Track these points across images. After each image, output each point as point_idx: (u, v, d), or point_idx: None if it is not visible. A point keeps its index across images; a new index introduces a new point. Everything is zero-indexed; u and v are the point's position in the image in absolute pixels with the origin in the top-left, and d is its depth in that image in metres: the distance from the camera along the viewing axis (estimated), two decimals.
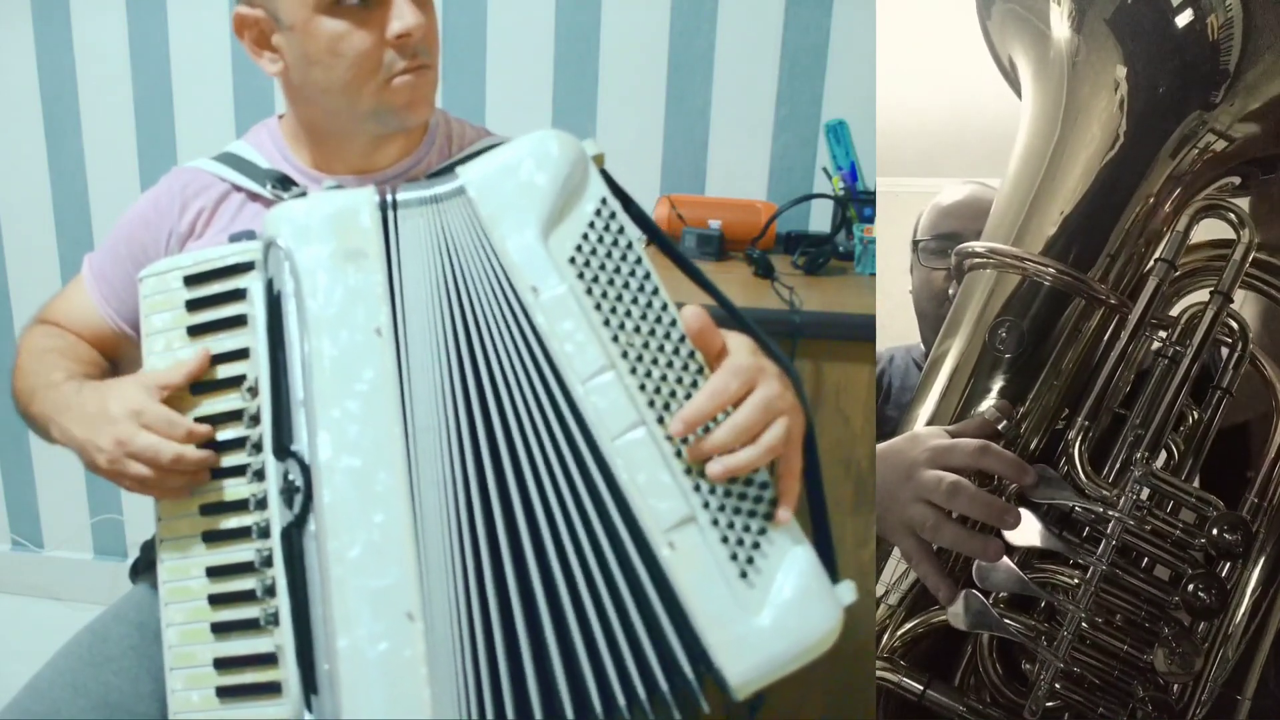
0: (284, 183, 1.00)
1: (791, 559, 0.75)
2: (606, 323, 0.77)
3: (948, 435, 0.84)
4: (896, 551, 0.86)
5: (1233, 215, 0.85)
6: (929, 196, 1.46)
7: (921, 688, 0.83)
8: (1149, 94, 0.85)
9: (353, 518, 0.75)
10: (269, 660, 0.81)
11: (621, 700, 0.73)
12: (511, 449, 0.76)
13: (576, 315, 0.77)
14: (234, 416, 0.84)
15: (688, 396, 0.76)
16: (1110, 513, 0.80)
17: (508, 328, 0.78)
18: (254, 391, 0.83)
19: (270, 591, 0.80)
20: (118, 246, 1.08)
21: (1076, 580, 0.81)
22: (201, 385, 0.85)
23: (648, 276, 0.79)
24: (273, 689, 0.80)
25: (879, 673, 0.85)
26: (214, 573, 0.83)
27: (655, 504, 0.74)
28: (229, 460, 0.83)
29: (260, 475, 0.82)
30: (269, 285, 0.81)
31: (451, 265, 0.80)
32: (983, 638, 0.84)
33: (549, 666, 0.74)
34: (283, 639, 0.79)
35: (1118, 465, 0.83)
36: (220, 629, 0.82)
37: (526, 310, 0.77)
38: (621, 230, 0.80)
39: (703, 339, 0.77)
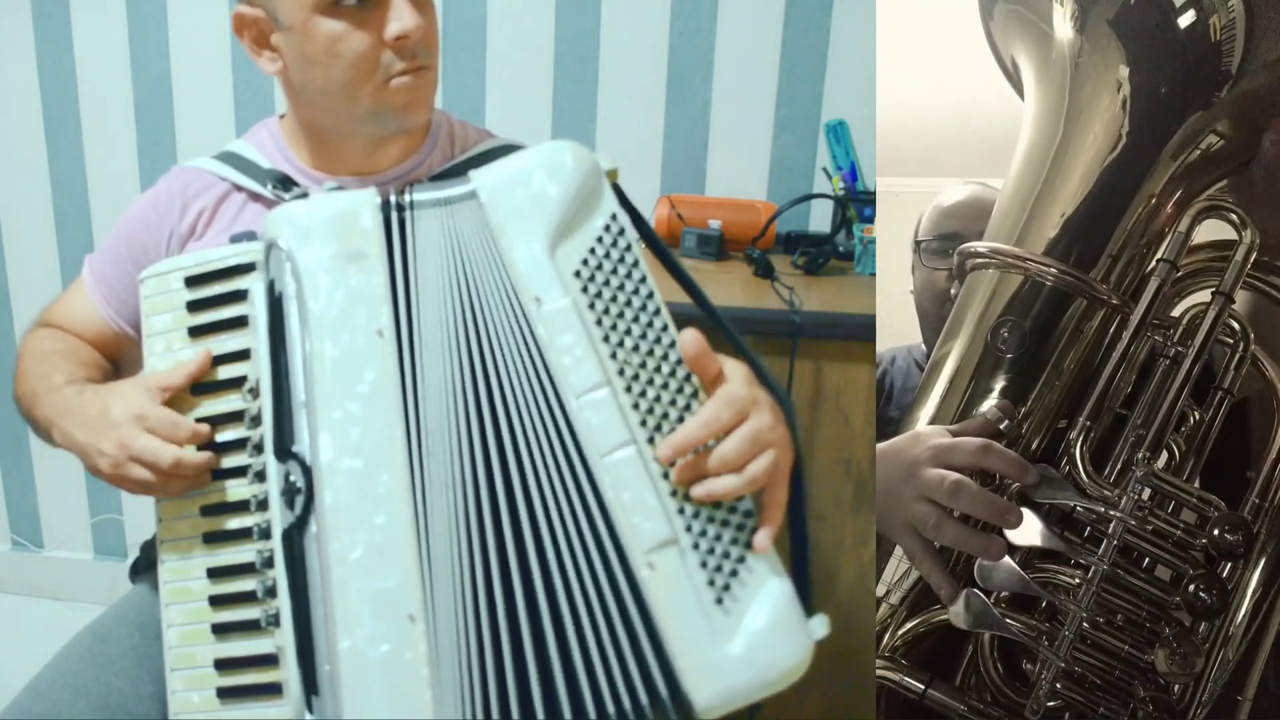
0: (285, 183, 1.00)
1: (768, 589, 0.75)
2: (606, 339, 0.77)
3: (949, 434, 0.84)
4: (898, 551, 0.86)
5: (1234, 216, 0.85)
6: (929, 196, 1.46)
7: (923, 687, 0.83)
8: (1151, 95, 0.85)
9: (354, 519, 0.75)
10: (270, 661, 0.81)
11: (593, 714, 0.73)
12: (517, 455, 0.77)
13: (577, 329, 0.77)
14: (235, 418, 0.84)
15: (680, 420, 0.77)
16: (1112, 513, 0.80)
17: (512, 335, 0.78)
18: (255, 393, 0.83)
19: (271, 593, 0.80)
20: (118, 248, 1.08)
21: (1078, 580, 0.81)
22: (202, 386, 0.85)
23: (650, 296, 0.79)
24: (273, 690, 0.80)
25: (880, 672, 0.85)
26: (215, 574, 0.83)
27: (638, 523, 0.74)
28: (230, 461, 0.83)
29: (261, 476, 0.82)
30: (270, 286, 0.81)
31: (462, 267, 0.80)
32: (984, 637, 0.84)
33: (549, 671, 0.74)
34: (284, 640, 0.79)
35: (1119, 465, 0.83)
36: (221, 630, 0.82)
37: (529, 320, 0.78)
38: (629, 248, 0.80)
39: (699, 364, 0.78)
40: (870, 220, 1.69)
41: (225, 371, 0.85)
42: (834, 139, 1.79)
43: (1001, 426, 0.85)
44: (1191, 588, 0.77)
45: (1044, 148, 0.90)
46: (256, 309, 0.83)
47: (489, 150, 1.10)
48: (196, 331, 0.86)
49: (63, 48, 2.01)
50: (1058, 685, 0.79)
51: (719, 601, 0.74)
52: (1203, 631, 0.79)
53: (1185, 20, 0.83)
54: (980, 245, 0.91)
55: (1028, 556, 0.82)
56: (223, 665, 0.82)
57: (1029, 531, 0.80)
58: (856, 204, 1.70)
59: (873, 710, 0.87)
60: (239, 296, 0.85)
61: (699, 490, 0.75)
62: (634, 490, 0.75)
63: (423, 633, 0.73)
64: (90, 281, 1.09)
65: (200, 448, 0.83)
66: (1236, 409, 0.85)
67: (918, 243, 1.43)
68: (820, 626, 0.77)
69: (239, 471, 0.83)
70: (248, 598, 0.82)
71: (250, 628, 0.81)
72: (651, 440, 0.76)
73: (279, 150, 1.06)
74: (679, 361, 0.78)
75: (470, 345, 0.79)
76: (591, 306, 0.78)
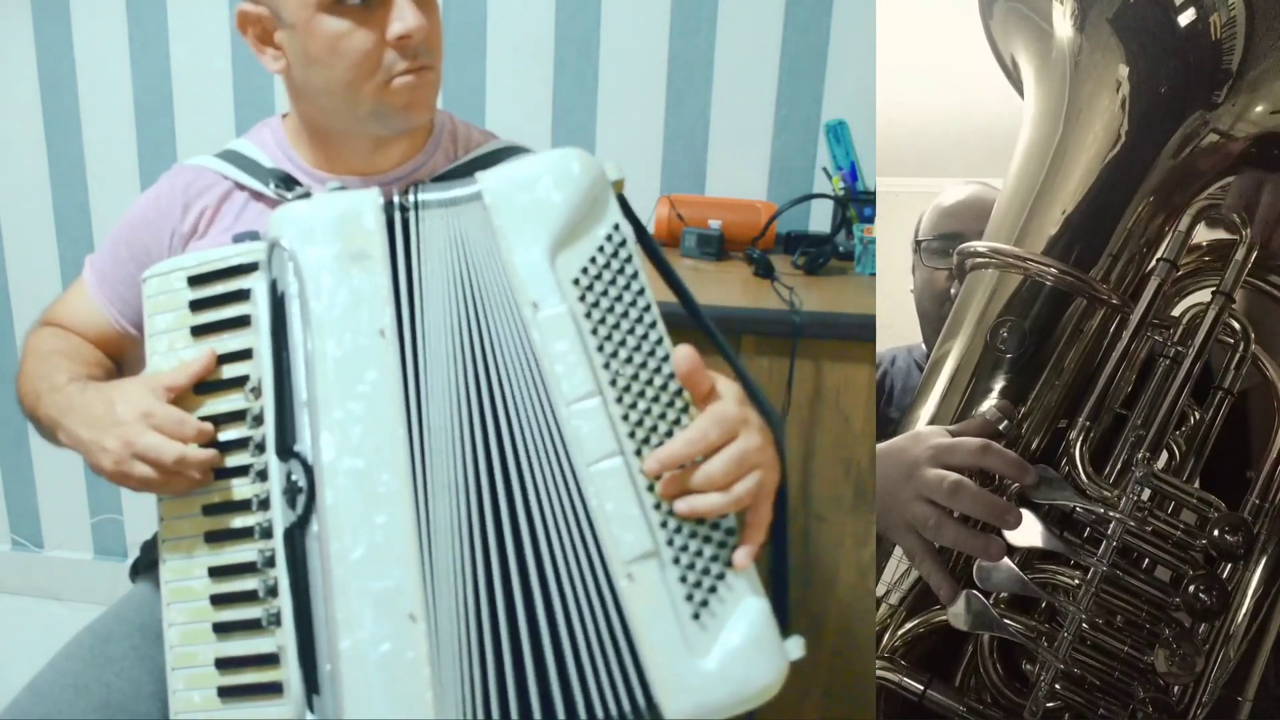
0: (288, 182, 1.00)
1: (745, 607, 0.76)
2: (601, 348, 0.78)
3: (949, 435, 0.84)
4: (898, 551, 0.86)
5: (1235, 215, 0.85)
6: (929, 196, 1.46)
7: (922, 688, 0.83)
8: (1151, 93, 0.85)
9: (355, 519, 0.75)
10: (271, 660, 0.81)
11: (582, 717, 0.74)
12: (515, 457, 0.77)
13: (571, 337, 0.77)
14: (237, 417, 0.84)
15: (669, 434, 0.77)
16: (1111, 514, 0.80)
17: (510, 339, 0.78)
18: (257, 392, 0.83)
19: (272, 592, 0.80)
20: (119, 247, 1.08)
21: (1077, 581, 0.81)
22: (205, 385, 0.85)
23: (648, 308, 0.79)
24: (274, 689, 0.80)
25: (879, 672, 0.85)
26: (216, 573, 0.83)
27: (620, 534, 0.75)
28: (232, 461, 0.83)
29: (263, 476, 0.82)
30: (273, 286, 0.81)
31: (465, 269, 0.80)
32: (983, 638, 0.84)
33: (544, 672, 0.75)
34: (285, 639, 0.79)
35: (1119, 466, 0.83)
36: (222, 629, 0.82)
37: (525, 325, 0.78)
38: (629, 259, 0.80)
39: (691, 380, 0.78)
40: (870, 220, 1.69)
41: (227, 371, 0.85)
42: (834, 139, 1.79)
43: (1001, 427, 0.85)
44: (1191, 589, 0.77)
45: (1044, 147, 0.90)
46: (259, 309, 0.83)
47: (493, 151, 1.10)
48: (199, 331, 0.86)
49: (63, 48, 2.01)
50: (1057, 686, 0.79)
51: (696, 616, 0.75)
52: (1202, 632, 0.79)
53: (1185, 19, 0.82)
54: (980, 245, 0.91)
55: (1027, 557, 0.82)
56: (224, 664, 0.82)
57: (1028, 532, 0.80)
58: (856, 204, 1.70)
59: (872, 710, 0.87)
60: (241, 296, 0.85)
61: (682, 505, 0.76)
62: (618, 501, 0.75)
63: (424, 632, 0.74)
64: (92, 281, 1.09)
65: (202, 447, 0.83)
66: (1235, 408, 0.85)
67: (918, 242, 1.43)
68: (795, 648, 0.77)
69: (241, 471, 0.83)
70: (249, 597, 0.82)
71: (251, 627, 0.81)
72: (639, 452, 0.76)
73: (281, 149, 1.06)
74: (671, 376, 0.78)
75: (471, 347, 0.79)
76: (588, 315, 0.78)
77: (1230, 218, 0.85)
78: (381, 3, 0.92)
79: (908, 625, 0.86)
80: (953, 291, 1.29)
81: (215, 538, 0.84)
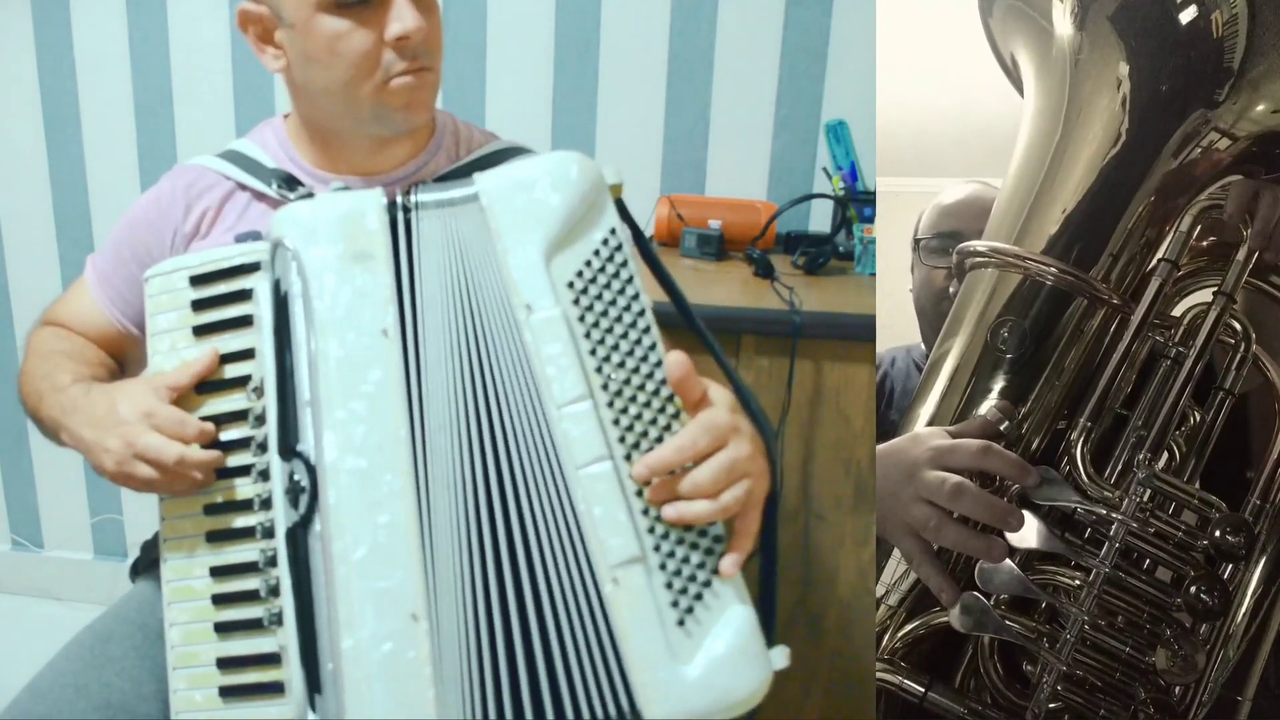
0: (290, 182, 1.00)
1: (731, 615, 0.76)
2: (593, 352, 0.78)
3: (949, 436, 0.84)
4: (897, 552, 0.86)
5: (1238, 223, 0.84)
6: (929, 196, 1.46)
7: (923, 690, 0.83)
8: (1152, 92, 0.85)
9: (358, 518, 0.75)
10: (272, 660, 0.81)
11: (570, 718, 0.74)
12: (509, 459, 0.77)
13: (564, 340, 0.77)
14: (239, 417, 0.84)
15: (659, 440, 0.77)
16: (1114, 515, 0.80)
17: (505, 341, 0.78)
18: (259, 392, 0.83)
19: (274, 591, 0.80)
20: (121, 247, 1.08)
21: (1078, 581, 0.80)
22: (207, 385, 0.85)
23: (642, 314, 0.79)
24: (276, 689, 0.80)
25: (880, 674, 0.85)
26: (218, 572, 0.83)
27: (607, 538, 0.75)
28: (234, 460, 0.83)
29: (265, 475, 0.82)
30: (275, 286, 0.81)
31: (463, 270, 0.80)
32: (984, 639, 0.84)
33: (536, 673, 0.75)
34: (286, 639, 0.79)
35: (1119, 466, 0.83)
36: (224, 629, 0.82)
37: (518, 326, 0.78)
38: (625, 264, 0.80)
39: (683, 387, 0.78)
40: (870, 220, 1.69)
41: (230, 371, 0.85)
42: (834, 139, 1.79)
43: (1002, 428, 0.85)
44: (1193, 589, 0.77)
45: (1044, 145, 0.90)
46: (261, 308, 0.83)
47: (494, 152, 1.10)
48: (201, 331, 0.86)
49: (63, 48, 2.02)
50: (1058, 688, 0.79)
51: (681, 623, 0.75)
52: (1203, 632, 0.79)
53: (1186, 16, 0.82)
54: (980, 244, 0.91)
55: (1026, 557, 0.82)
56: (225, 664, 0.82)
57: (1030, 534, 0.80)
58: (856, 204, 1.70)
59: (873, 710, 0.87)
60: (244, 296, 0.85)
61: (670, 512, 0.75)
62: (606, 505, 0.75)
63: (425, 632, 0.73)
64: (93, 280, 1.09)
65: (204, 447, 0.83)
66: (1235, 408, 0.85)
67: (917, 241, 1.43)
68: (780, 658, 0.77)
69: (243, 470, 0.83)
70: (251, 596, 0.82)
71: (253, 626, 0.81)
72: (629, 458, 0.76)
73: (283, 150, 1.06)
74: (663, 382, 0.78)
75: (469, 348, 0.79)
76: (581, 319, 0.78)
77: (1233, 223, 0.84)
78: (380, 3, 0.92)
79: (908, 627, 0.86)
80: (951, 290, 1.29)
81: (217, 537, 0.84)
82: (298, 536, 0.77)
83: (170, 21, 1.97)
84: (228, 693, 0.81)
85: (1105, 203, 0.87)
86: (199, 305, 0.86)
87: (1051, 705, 0.79)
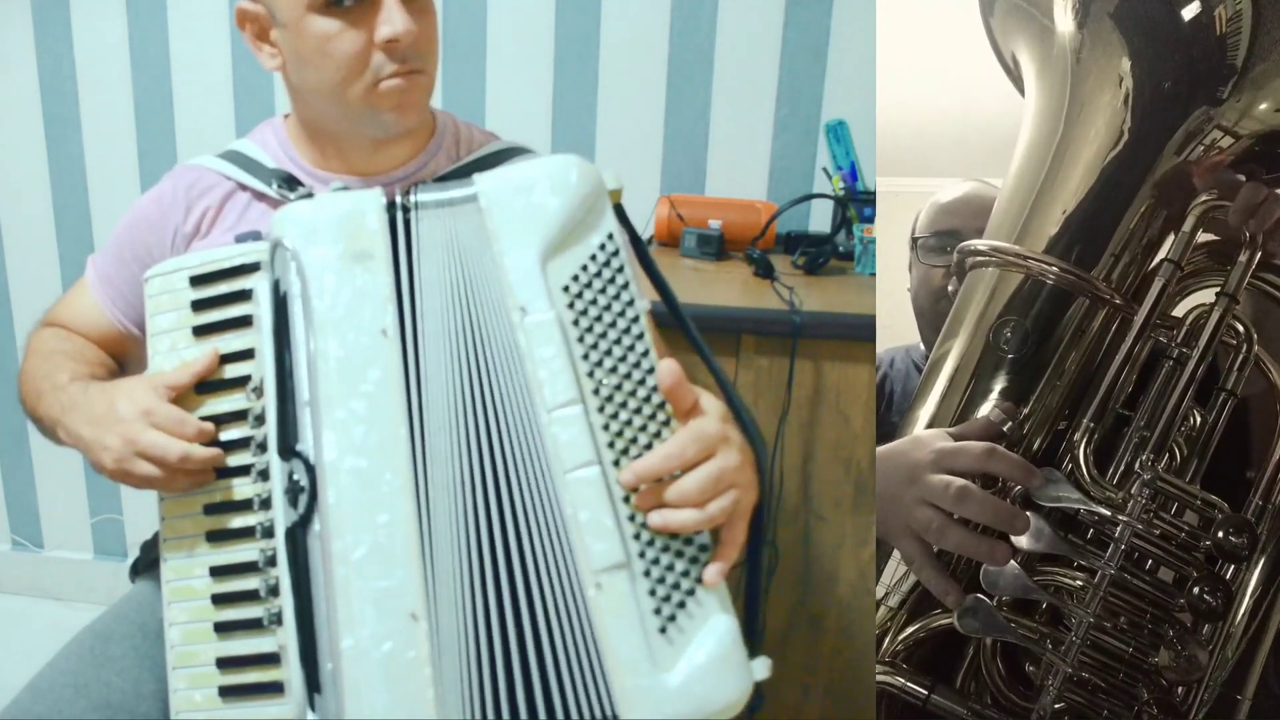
0: (290, 183, 1.00)
1: (714, 624, 0.76)
2: (585, 357, 0.78)
3: (951, 438, 0.83)
4: (897, 553, 0.85)
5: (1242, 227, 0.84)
6: (929, 196, 1.46)
7: (926, 693, 0.82)
8: (1154, 89, 0.85)
9: (358, 518, 0.75)
10: (272, 660, 0.81)
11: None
12: (504, 460, 0.77)
13: (557, 343, 0.77)
14: (239, 416, 0.84)
15: (648, 447, 0.77)
16: (1119, 516, 0.79)
17: (501, 342, 0.78)
18: (259, 392, 0.83)
19: (274, 591, 0.80)
20: (121, 247, 1.08)
21: (1080, 582, 0.80)
22: (207, 385, 0.85)
23: (636, 320, 0.79)
24: (275, 689, 0.80)
25: (882, 677, 0.85)
26: (218, 572, 0.83)
27: (592, 543, 0.75)
28: (233, 460, 0.83)
29: (265, 475, 0.82)
30: (275, 286, 0.81)
31: (461, 270, 0.80)
32: (986, 640, 0.84)
33: (529, 674, 0.75)
34: (286, 639, 0.79)
35: (1121, 467, 0.83)
36: (223, 628, 0.82)
37: (512, 328, 0.78)
38: (621, 269, 0.80)
39: (675, 394, 0.78)
40: (870, 220, 1.69)
41: (229, 370, 0.85)
42: (834, 139, 1.79)
43: (1004, 429, 0.84)
44: (1196, 590, 0.77)
45: (1045, 144, 0.89)
46: (261, 308, 0.83)
47: (495, 152, 1.10)
48: (201, 331, 0.86)
49: (63, 48, 2.02)
50: (1062, 689, 0.79)
51: (663, 630, 0.75)
52: (1205, 632, 0.79)
53: (1189, 12, 0.82)
54: (980, 243, 0.91)
55: (1027, 558, 0.81)
56: (225, 664, 0.82)
57: (1033, 536, 0.79)
58: (856, 204, 1.70)
59: (873, 711, 0.87)
60: (244, 296, 0.85)
61: (656, 519, 0.75)
62: (592, 510, 0.75)
63: (425, 631, 0.73)
64: (94, 281, 1.09)
65: (204, 446, 0.83)
66: (1235, 409, 0.85)
67: (915, 239, 1.43)
68: (762, 668, 0.77)
69: (242, 470, 0.83)
70: (250, 596, 0.82)
71: (253, 626, 0.81)
72: (618, 463, 0.76)
73: (283, 150, 1.06)
74: (655, 389, 0.78)
75: (468, 348, 0.79)
76: (575, 323, 0.78)
77: (1236, 223, 0.84)
78: (371, 5, 0.92)
79: (909, 630, 0.86)
80: (950, 290, 1.29)
81: (216, 537, 0.84)
82: (297, 536, 0.77)
83: (170, 21, 1.97)
84: (227, 692, 0.81)
85: (1107, 202, 0.86)
86: (199, 305, 0.86)
87: (1055, 706, 0.79)
